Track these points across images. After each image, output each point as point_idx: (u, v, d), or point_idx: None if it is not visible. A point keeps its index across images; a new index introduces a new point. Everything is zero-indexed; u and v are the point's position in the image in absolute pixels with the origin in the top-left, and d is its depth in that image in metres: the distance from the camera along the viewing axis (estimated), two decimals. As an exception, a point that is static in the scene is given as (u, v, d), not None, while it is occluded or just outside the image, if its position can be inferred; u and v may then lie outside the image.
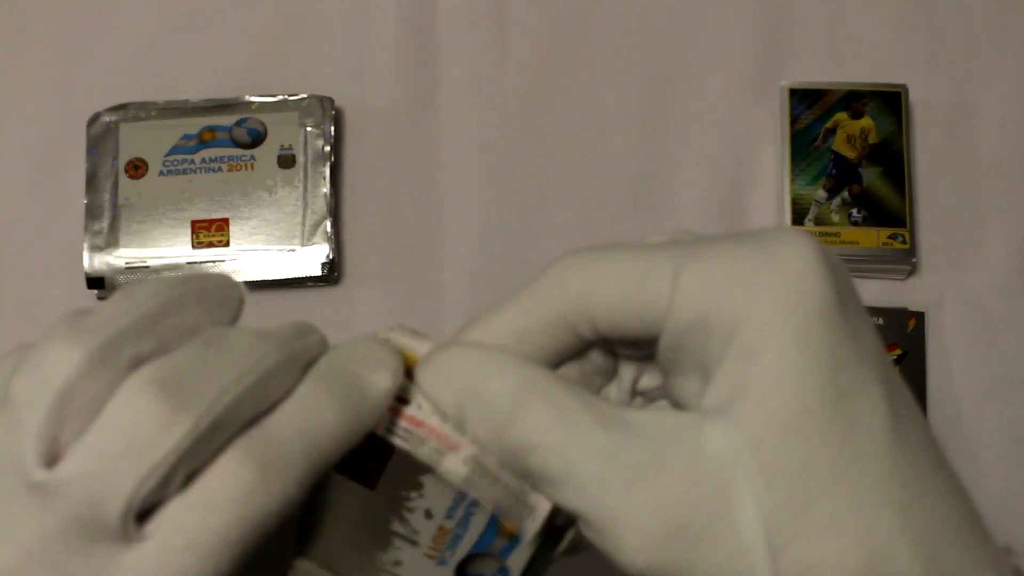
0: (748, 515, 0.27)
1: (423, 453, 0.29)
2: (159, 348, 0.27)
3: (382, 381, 0.29)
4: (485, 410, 0.29)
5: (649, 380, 0.32)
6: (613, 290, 0.29)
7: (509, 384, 0.29)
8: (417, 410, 0.30)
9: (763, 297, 0.27)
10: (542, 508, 0.30)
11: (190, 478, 0.26)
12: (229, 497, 0.26)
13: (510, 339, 0.31)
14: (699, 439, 0.28)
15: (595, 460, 0.28)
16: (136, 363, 0.26)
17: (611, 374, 0.32)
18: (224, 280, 0.30)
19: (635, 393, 0.33)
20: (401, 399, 0.30)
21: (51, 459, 0.25)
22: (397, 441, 0.29)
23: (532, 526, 0.30)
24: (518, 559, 0.32)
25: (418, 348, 0.31)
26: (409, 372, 0.31)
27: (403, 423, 0.30)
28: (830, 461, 0.27)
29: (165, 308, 0.28)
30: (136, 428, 0.25)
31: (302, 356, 0.29)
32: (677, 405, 0.31)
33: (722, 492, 0.27)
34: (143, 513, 0.26)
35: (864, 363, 0.28)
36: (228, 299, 0.30)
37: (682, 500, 0.27)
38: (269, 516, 0.26)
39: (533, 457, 0.29)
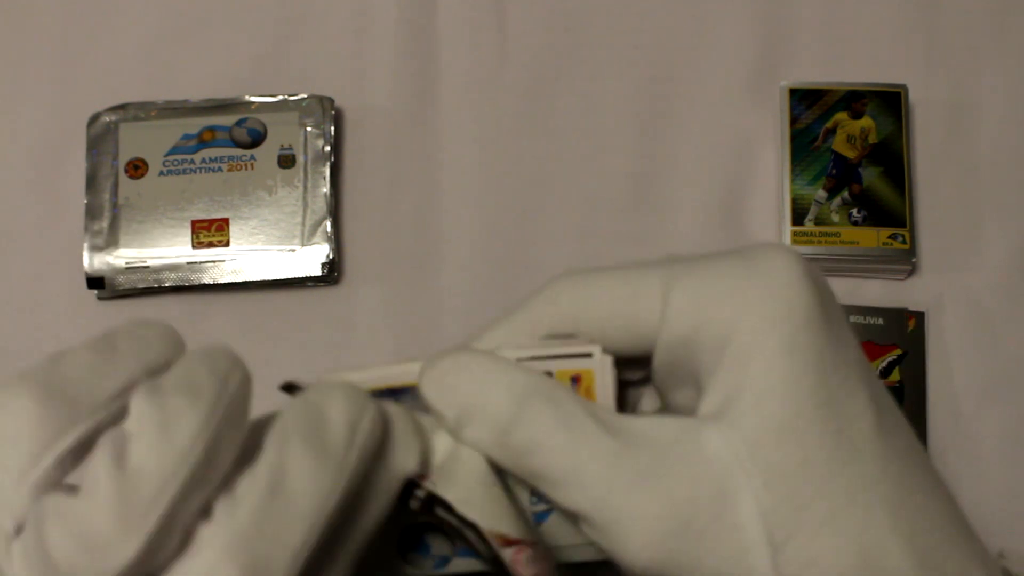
0: (748, 513, 0.28)
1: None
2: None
3: (409, 465, 0.30)
4: (488, 412, 0.30)
5: (648, 403, 0.33)
6: (604, 307, 0.30)
7: (513, 386, 0.30)
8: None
9: (751, 309, 0.28)
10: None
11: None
12: None
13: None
14: (699, 442, 0.28)
15: (599, 461, 0.29)
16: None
17: None
18: (152, 327, 0.29)
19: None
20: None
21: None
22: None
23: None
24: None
25: None
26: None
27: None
28: (824, 460, 0.28)
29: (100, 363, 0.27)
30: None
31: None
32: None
33: (723, 491, 0.28)
34: None
35: (849, 370, 0.29)
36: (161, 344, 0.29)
37: (685, 499, 0.28)
38: None
39: (536, 458, 0.29)
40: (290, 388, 0.32)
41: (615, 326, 0.30)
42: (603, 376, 0.31)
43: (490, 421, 0.30)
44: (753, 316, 0.28)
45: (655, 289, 0.30)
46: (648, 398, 0.33)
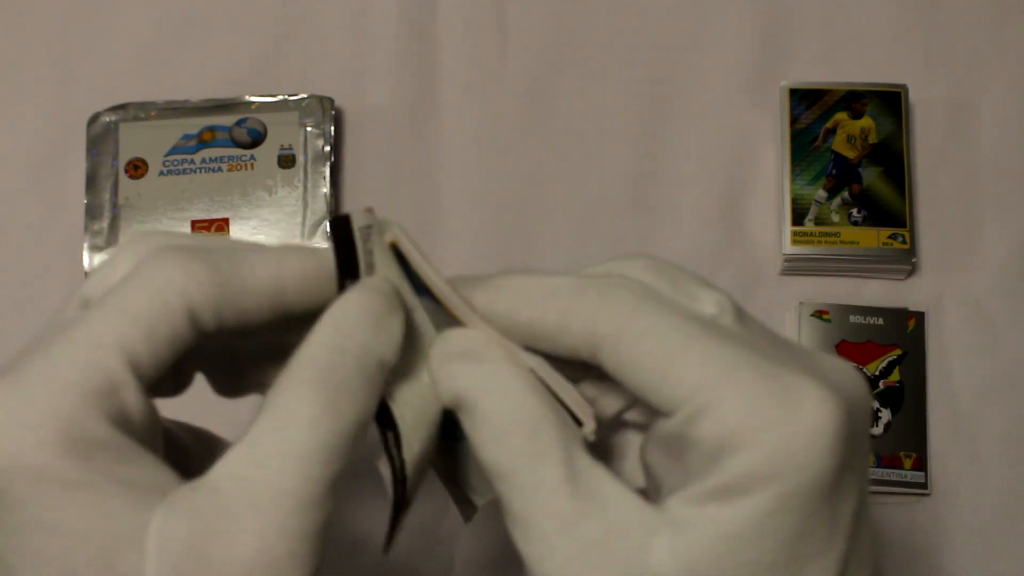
0: None
1: None
2: None
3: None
4: (477, 416, 0.30)
5: (636, 415, 0.32)
6: (638, 359, 0.29)
7: (512, 402, 0.29)
8: None
9: (764, 449, 0.27)
10: None
11: None
12: None
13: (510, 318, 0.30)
14: (647, 544, 0.28)
15: (552, 521, 0.28)
16: None
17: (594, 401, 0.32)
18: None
19: (619, 421, 0.32)
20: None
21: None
22: None
23: None
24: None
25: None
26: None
27: None
28: None
29: None
30: None
31: None
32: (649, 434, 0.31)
33: None
34: None
35: (834, 530, 0.28)
36: None
37: None
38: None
39: (501, 483, 0.29)
40: (341, 222, 0.30)
41: (638, 381, 0.29)
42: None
43: (477, 423, 0.30)
44: (761, 457, 0.27)
45: (691, 376, 0.28)
46: (637, 412, 0.33)
